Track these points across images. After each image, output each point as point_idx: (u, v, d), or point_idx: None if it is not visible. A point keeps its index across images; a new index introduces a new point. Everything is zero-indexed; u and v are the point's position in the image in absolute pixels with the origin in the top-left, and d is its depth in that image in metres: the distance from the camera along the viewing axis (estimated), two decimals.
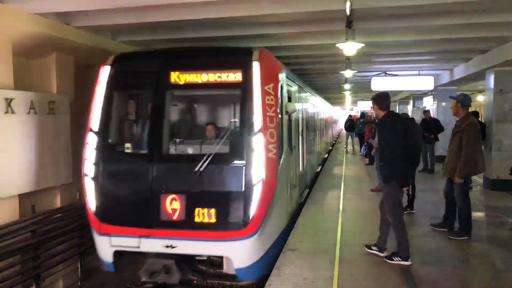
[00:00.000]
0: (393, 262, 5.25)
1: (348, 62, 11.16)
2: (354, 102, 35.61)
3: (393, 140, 5.06)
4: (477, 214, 7.68)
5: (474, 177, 9.16)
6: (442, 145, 13.67)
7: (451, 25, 8.09)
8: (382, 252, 5.52)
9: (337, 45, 7.76)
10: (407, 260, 5.20)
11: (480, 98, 21.84)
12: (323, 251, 5.69)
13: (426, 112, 13.93)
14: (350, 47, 7.64)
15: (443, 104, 15.85)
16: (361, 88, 20.75)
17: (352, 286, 4.65)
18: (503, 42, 9.33)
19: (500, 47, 9.59)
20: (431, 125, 12.93)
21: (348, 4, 6.15)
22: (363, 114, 10.33)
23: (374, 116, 10.00)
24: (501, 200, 9.24)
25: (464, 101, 6.27)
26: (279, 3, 6.83)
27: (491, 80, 10.68)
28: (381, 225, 5.64)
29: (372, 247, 5.62)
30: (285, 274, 4.95)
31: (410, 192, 7.89)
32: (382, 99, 5.36)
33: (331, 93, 26.52)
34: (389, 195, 5.28)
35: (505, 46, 9.31)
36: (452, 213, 6.55)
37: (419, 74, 14.89)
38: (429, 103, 18.99)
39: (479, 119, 11.43)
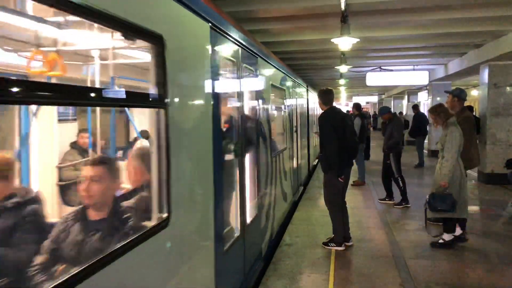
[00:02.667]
0: (329, 247, 5.56)
1: (343, 57, 11.17)
2: (350, 97, 35.71)
3: (330, 134, 5.34)
4: (472, 208, 7.72)
5: (468, 171, 9.20)
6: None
7: (445, 20, 8.11)
8: (348, 242, 5.70)
9: (332, 40, 7.77)
10: (341, 246, 5.55)
11: (474, 92, 21.94)
12: (319, 245, 5.71)
13: (414, 107, 14.08)
14: (345, 42, 7.64)
15: (438, 98, 15.90)
16: (357, 83, 20.81)
17: (349, 280, 4.68)
18: (497, 37, 9.37)
19: (494, 42, 9.63)
20: (416, 120, 13.13)
21: None
22: (359, 106, 10.19)
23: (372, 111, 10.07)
24: (496, 193, 9.31)
25: (460, 95, 6.29)
26: None
27: (485, 75, 10.72)
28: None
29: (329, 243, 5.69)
30: (281, 268, 4.97)
31: (402, 185, 7.97)
32: (326, 94, 5.67)
33: None
34: (327, 183, 5.60)
35: (499, 40, 9.35)
36: None
37: (414, 69, 14.93)
38: (424, 98, 19.07)
39: (474, 113, 11.52)
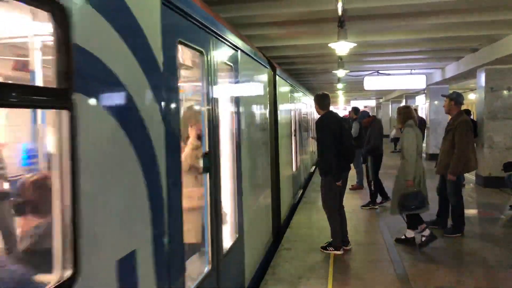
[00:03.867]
0: (327, 252, 5.59)
1: (340, 61, 11.21)
2: (347, 101, 35.78)
3: (328, 138, 5.38)
4: (470, 211, 7.75)
5: (466, 175, 9.23)
6: (435, 143, 13.77)
7: (442, 24, 8.16)
8: (346, 246, 5.73)
9: (329, 45, 7.79)
10: (339, 250, 5.58)
11: (471, 96, 22.02)
12: (318, 249, 5.72)
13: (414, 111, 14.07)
14: (342, 47, 7.66)
15: (435, 102, 15.96)
16: (354, 88, 20.86)
17: (347, 284, 4.68)
18: (493, 41, 9.41)
19: (490, 46, 9.68)
20: None
21: (340, 4, 6.18)
22: (357, 110, 10.17)
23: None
24: (493, 196, 9.33)
25: (457, 99, 6.33)
26: (271, 3, 6.85)
27: (482, 78, 10.77)
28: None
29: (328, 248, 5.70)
30: (280, 273, 4.97)
31: (373, 189, 8.24)
32: (322, 99, 5.74)
33: None
34: (324, 188, 5.61)
35: (496, 44, 9.39)
36: (445, 211, 6.59)
37: (411, 73, 14.97)
38: (421, 102, 19.12)
39: (471, 117, 11.56)
